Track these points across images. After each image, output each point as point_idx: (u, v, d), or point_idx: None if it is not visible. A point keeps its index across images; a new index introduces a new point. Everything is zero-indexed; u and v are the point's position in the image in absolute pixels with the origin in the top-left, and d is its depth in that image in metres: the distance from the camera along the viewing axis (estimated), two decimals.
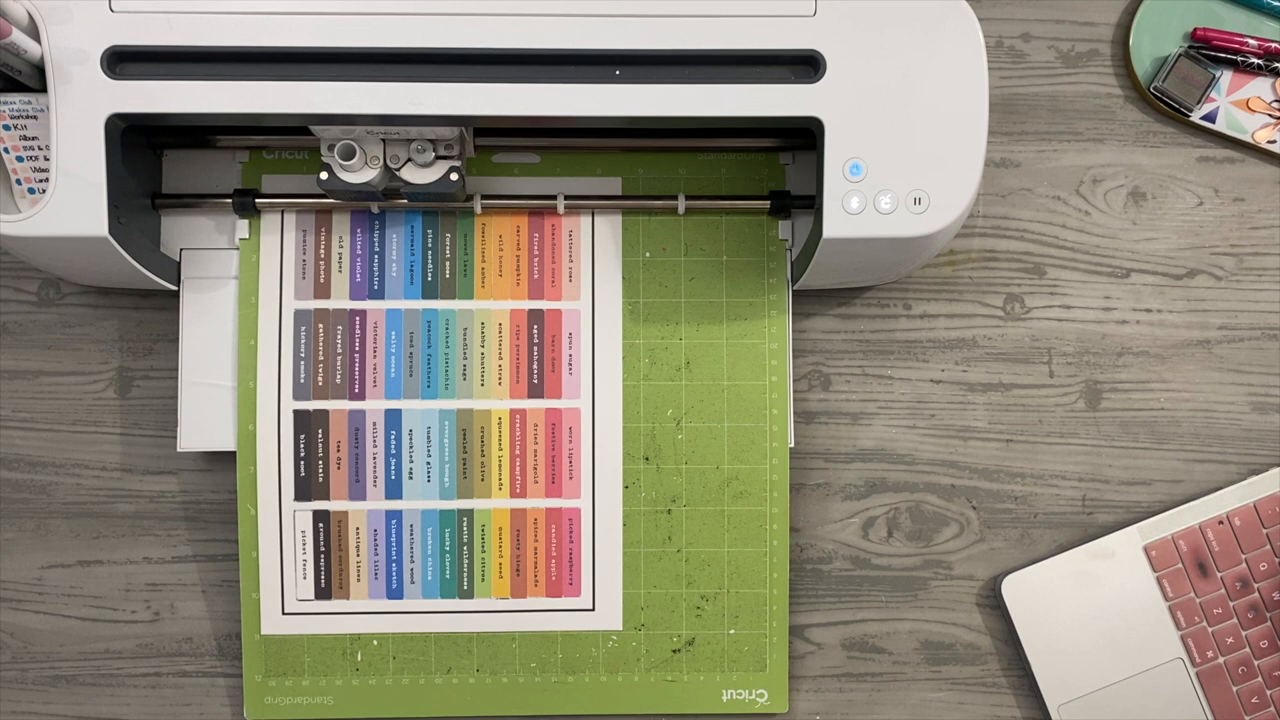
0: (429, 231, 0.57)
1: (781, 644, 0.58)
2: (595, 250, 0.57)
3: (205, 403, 0.56)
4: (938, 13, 0.50)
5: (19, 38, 0.47)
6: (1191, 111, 0.60)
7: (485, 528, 0.57)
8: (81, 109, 0.49)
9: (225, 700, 0.59)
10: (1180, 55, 0.59)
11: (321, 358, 0.56)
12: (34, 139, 0.51)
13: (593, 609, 0.57)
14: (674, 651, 0.58)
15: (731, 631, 0.58)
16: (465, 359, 0.57)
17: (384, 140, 0.52)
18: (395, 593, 0.57)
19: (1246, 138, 0.60)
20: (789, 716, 0.59)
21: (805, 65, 0.50)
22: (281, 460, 0.56)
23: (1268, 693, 0.57)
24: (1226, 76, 0.60)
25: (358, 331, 0.57)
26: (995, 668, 0.59)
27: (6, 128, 0.50)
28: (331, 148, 0.51)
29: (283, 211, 0.57)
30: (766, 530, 0.57)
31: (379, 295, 0.57)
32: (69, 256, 0.52)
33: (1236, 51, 0.59)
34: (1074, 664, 0.57)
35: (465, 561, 0.57)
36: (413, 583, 0.57)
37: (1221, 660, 0.57)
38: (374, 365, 0.57)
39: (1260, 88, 0.60)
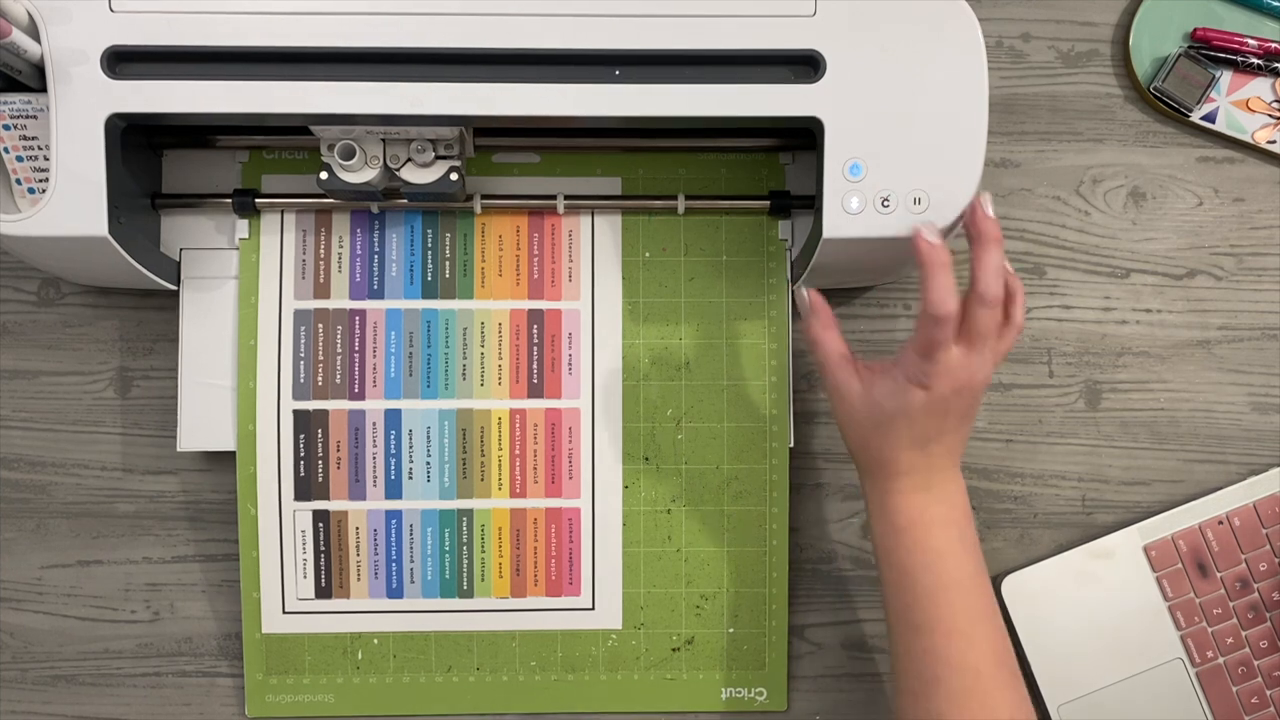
0: (429, 231, 0.57)
1: (780, 643, 0.58)
2: (595, 250, 0.57)
3: (205, 403, 0.56)
4: (938, 13, 0.50)
5: (19, 38, 0.47)
6: (1191, 111, 0.60)
7: (485, 527, 0.57)
8: (81, 109, 0.49)
9: (225, 700, 0.59)
10: (1180, 55, 0.59)
11: (321, 358, 0.56)
12: (34, 139, 0.51)
13: (592, 608, 0.57)
14: (673, 650, 0.58)
15: (731, 630, 0.58)
16: (465, 359, 0.57)
17: (384, 140, 0.52)
18: (395, 592, 0.57)
19: (1246, 138, 0.60)
20: (788, 716, 0.59)
21: (805, 65, 0.50)
22: (281, 460, 0.56)
23: (1268, 693, 0.57)
24: (1226, 76, 0.60)
25: (357, 331, 0.57)
26: None
27: (6, 128, 0.50)
28: (331, 148, 0.51)
29: (283, 211, 0.57)
30: (766, 530, 0.57)
31: (379, 295, 0.57)
32: (69, 256, 0.52)
33: (1236, 51, 0.59)
34: (1074, 664, 0.57)
35: (465, 561, 0.57)
36: (413, 582, 0.57)
37: (1221, 660, 0.57)
38: (374, 365, 0.57)
39: (1260, 88, 0.60)
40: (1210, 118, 0.60)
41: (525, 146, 0.57)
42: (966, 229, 0.47)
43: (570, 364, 0.57)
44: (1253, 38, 0.59)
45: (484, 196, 0.57)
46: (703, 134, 0.57)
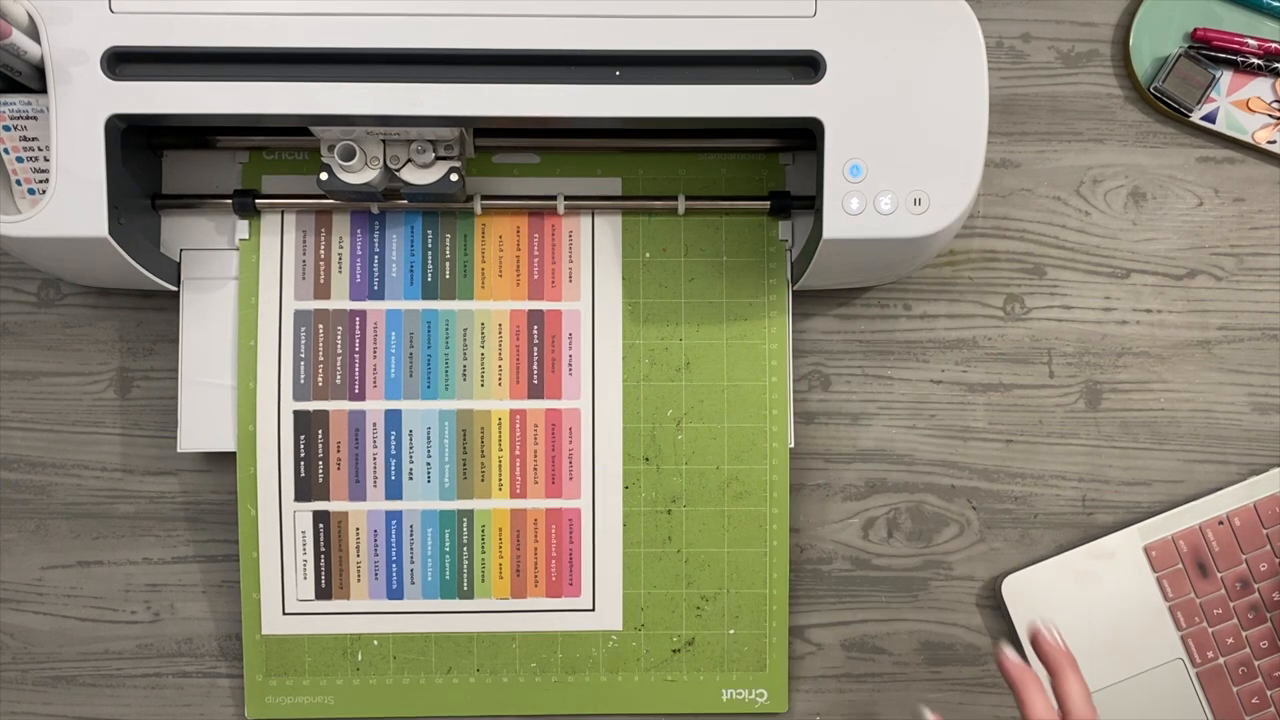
0: (429, 232, 0.57)
1: (781, 644, 0.58)
2: (595, 251, 0.57)
3: (205, 403, 0.56)
4: (938, 13, 0.50)
5: (19, 38, 0.47)
6: (1191, 112, 0.60)
7: (485, 528, 0.57)
8: (81, 110, 0.49)
9: (225, 700, 0.59)
10: (1180, 55, 0.59)
11: (321, 358, 0.56)
12: (34, 139, 0.51)
13: (593, 609, 0.57)
14: (674, 651, 0.58)
15: (731, 631, 0.58)
16: (465, 359, 0.57)
17: (384, 141, 0.52)
18: (395, 593, 0.57)
19: (1246, 138, 0.60)
20: (789, 716, 0.59)
21: (805, 66, 0.50)
22: (281, 461, 0.56)
23: (1268, 693, 0.57)
24: (1226, 77, 0.60)
25: (358, 332, 0.57)
26: (995, 668, 0.59)
27: (6, 128, 0.50)
28: (331, 148, 0.51)
29: (283, 212, 0.57)
30: (766, 530, 0.57)
31: (379, 296, 0.57)
32: (69, 257, 0.52)
33: (1236, 52, 0.59)
34: None
35: (465, 562, 0.57)
36: (413, 583, 0.57)
37: (1221, 660, 0.57)
38: (374, 366, 0.57)
39: (1260, 88, 0.60)
40: (1210, 118, 0.60)
41: (525, 147, 0.57)
42: (1039, 657, 0.49)
43: (570, 364, 0.57)
44: (1253, 38, 0.59)
45: (484, 197, 0.57)
46: (703, 134, 0.57)
